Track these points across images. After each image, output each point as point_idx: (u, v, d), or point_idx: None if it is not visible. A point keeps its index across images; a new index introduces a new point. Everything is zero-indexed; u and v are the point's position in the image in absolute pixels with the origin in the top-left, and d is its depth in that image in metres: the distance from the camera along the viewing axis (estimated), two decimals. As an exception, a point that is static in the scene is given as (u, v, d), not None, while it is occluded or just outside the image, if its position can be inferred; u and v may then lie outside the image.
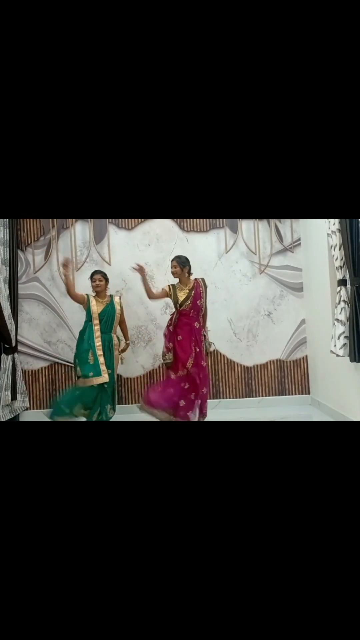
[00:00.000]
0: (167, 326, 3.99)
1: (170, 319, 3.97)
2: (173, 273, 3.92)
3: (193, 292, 3.88)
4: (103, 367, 3.79)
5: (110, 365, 3.87)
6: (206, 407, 3.92)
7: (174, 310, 4.00)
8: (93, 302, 3.94)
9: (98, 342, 3.83)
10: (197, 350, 3.85)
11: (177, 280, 3.97)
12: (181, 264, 3.88)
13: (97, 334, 3.87)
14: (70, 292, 3.94)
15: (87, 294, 4.00)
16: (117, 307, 4.01)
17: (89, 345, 3.85)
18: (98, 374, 3.77)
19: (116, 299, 4.06)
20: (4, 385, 4.41)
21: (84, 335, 3.93)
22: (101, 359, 3.80)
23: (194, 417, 3.82)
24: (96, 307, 3.93)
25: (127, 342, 4.21)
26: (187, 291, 3.89)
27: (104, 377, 3.78)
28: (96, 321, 3.90)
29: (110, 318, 3.94)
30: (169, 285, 3.97)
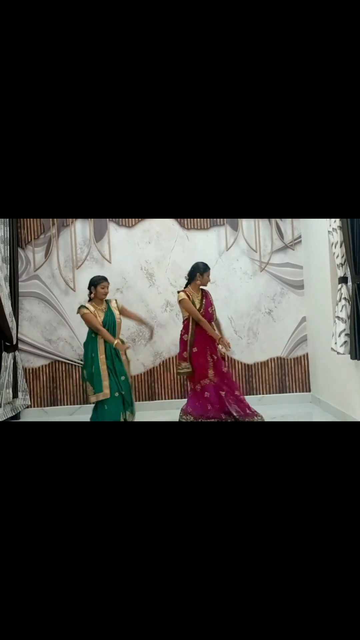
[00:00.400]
0: (182, 335, 3.90)
1: (185, 329, 3.87)
2: (207, 283, 3.91)
3: (204, 300, 3.86)
4: (105, 383, 3.65)
5: (122, 371, 3.72)
6: (247, 406, 3.85)
7: (184, 317, 3.90)
8: (94, 312, 3.73)
9: (102, 355, 3.68)
10: (215, 358, 3.80)
11: (179, 287, 3.94)
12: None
13: (102, 347, 3.69)
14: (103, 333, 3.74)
15: (85, 308, 3.72)
16: (116, 312, 3.81)
17: (93, 359, 3.70)
18: (100, 390, 3.66)
19: (112, 304, 3.84)
20: (5, 383, 4.42)
21: (88, 348, 3.75)
22: (104, 374, 3.66)
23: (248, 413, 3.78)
24: (98, 317, 3.72)
25: (150, 326, 4.16)
26: (200, 299, 3.86)
27: (105, 393, 3.66)
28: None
29: (112, 325, 3.74)
30: (186, 293, 3.83)
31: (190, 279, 3.89)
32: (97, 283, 3.75)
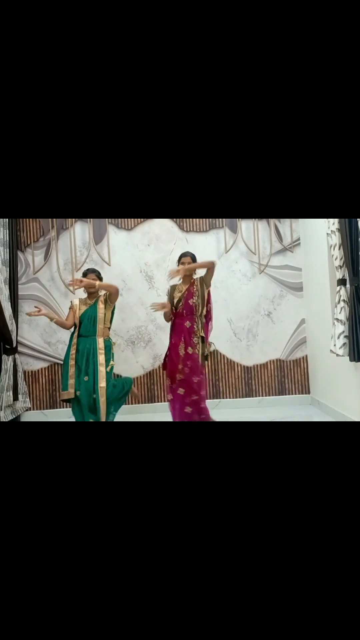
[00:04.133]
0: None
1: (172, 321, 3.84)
2: (182, 271, 3.70)
3: (186, 292, 3.74)
4: (71, 381, 3.52)
5: (90, 372, 3.53)
6: (201, 415, 3.63)
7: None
8: (77, 306, 3.67)
9: (73, 351, 3.56)
10: (183, 353, 3.67)
11: (177, 281, 3.86)
12: (194, 261, 3.76)
13: (74, 340, 3.59)
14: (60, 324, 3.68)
15: (71, 301, 3.72)
16: (100, 306, 3.62)
17: (66, 355, 3.63)
18: (65, 387, 3.55)
19: (101, 299, 3.67)
20: (6, 386, 4.42)
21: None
22: (71, 371, 3.54)
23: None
24: (79, 311, 3.64)
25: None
26: (182, 291, 3.76)
27: (69, 393, 3.52)
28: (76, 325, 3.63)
29: (92, 320, 3.59)
30: (170, 288, 3.83)
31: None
32: (83, 277, 3.70)
